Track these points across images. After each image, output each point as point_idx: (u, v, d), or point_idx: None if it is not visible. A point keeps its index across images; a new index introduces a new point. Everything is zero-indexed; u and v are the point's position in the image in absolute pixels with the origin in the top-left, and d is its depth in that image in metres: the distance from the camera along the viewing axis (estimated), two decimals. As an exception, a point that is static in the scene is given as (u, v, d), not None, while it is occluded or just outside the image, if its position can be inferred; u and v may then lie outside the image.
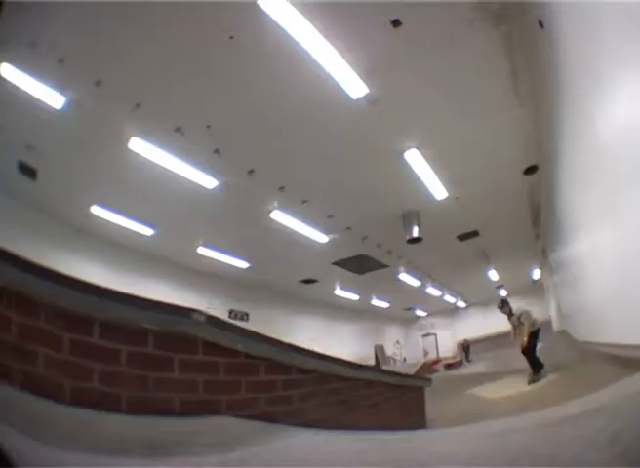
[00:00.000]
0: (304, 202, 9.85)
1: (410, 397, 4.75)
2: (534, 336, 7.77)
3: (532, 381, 7.07)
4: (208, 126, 7.13)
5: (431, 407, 5.13)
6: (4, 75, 5.73)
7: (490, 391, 7.47)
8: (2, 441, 1.09)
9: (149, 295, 2.18)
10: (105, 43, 5.49)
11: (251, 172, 8.44)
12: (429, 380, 5.55)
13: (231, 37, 5.48)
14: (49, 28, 5.20)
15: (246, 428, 2.30)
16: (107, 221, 9.99)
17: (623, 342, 3.95)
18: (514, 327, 8.10)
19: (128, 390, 2.02)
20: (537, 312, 16.54)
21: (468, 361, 20.49)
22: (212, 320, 2.34)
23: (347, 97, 6.43)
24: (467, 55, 5.97)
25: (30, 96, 6.05)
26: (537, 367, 7.40)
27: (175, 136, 7.21)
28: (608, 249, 4.00)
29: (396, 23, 5.34)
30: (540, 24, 4.52)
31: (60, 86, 6.08)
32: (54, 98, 6.31)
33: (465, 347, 22.24)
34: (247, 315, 15.06)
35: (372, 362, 19.52)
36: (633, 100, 2.52)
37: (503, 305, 8.39)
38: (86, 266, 9.31)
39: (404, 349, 24.98)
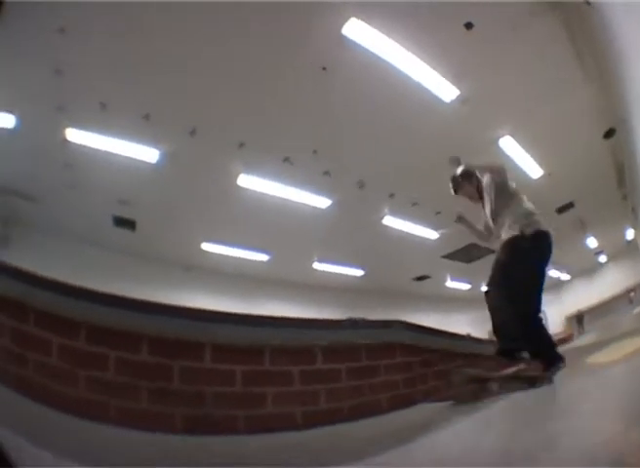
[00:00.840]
0: (414, 204, 10.03)
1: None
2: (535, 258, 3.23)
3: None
4: (314, 151, 7.44)
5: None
6: (71, 139, 5.99)
7: (601, 357, 7.19)
8: None
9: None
10: (193, 93, 5.93)
11: (361, 185, 8.75)
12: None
13: (324, 68, 5.89)
14: (124, 88, 5.62)
15: (436, 411, 2.50)
16: (220, 255, 10.38)
17: None
18: None
19: (348, 401, 2.32)
20: (631, 275, 15.26)
21: (581, 333, 19.83)
22: (409, 326, 2.68)
23: (440, 100, 6.80)
24: (535, 42, 6.13)
25: (114, 154, 6.36)
26: (548, 354, 3.07)
27: (284, 166, 7.63)
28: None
29: (469, 26, 5.62)
30: (587, 2, 4.67)
31: (150, 141, 6.41)
32: (146, 153, 6.51)
33: (579, 318, 21.50)
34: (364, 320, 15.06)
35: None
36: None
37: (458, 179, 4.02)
38: (207, 300, 9.10)
39: (514, 332, 24.35)
